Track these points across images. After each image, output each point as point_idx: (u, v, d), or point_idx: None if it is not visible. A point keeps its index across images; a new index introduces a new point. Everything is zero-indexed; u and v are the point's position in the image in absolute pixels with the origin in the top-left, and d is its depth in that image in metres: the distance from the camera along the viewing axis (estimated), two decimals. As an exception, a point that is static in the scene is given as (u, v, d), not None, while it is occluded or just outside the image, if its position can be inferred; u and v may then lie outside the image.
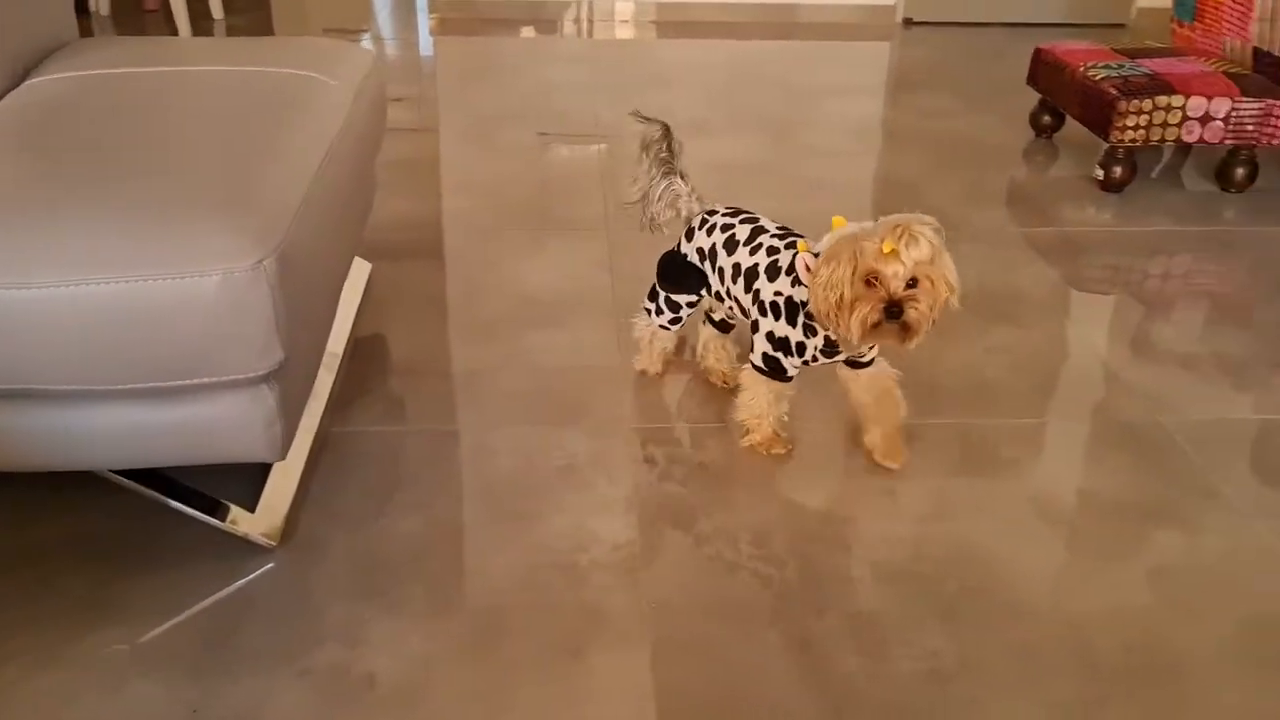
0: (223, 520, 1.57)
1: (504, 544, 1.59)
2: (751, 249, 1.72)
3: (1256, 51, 2.97)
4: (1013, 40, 3.87)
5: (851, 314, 1.50)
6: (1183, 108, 2.79)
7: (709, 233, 1.79)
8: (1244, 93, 2.80)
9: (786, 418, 1.81)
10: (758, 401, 1.76)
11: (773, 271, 1.68)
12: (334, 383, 1.96)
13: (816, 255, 1.56)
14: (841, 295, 1.50)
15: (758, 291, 1.70)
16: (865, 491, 1.73)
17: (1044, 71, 3.20)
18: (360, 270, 2.31)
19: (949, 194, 2.94)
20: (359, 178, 1.90)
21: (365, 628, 1.43)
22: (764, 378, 1.72)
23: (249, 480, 1.65)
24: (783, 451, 1.79)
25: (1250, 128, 2.82)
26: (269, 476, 1.66)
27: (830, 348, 1.66)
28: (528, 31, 4.50)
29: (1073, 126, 3.19)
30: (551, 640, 1.42)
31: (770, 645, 1.43)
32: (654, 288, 1.91)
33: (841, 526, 1.65)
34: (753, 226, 1.76)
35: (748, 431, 1.80)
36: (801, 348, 1.67)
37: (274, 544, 1.57)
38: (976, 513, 1.68)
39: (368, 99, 1.97)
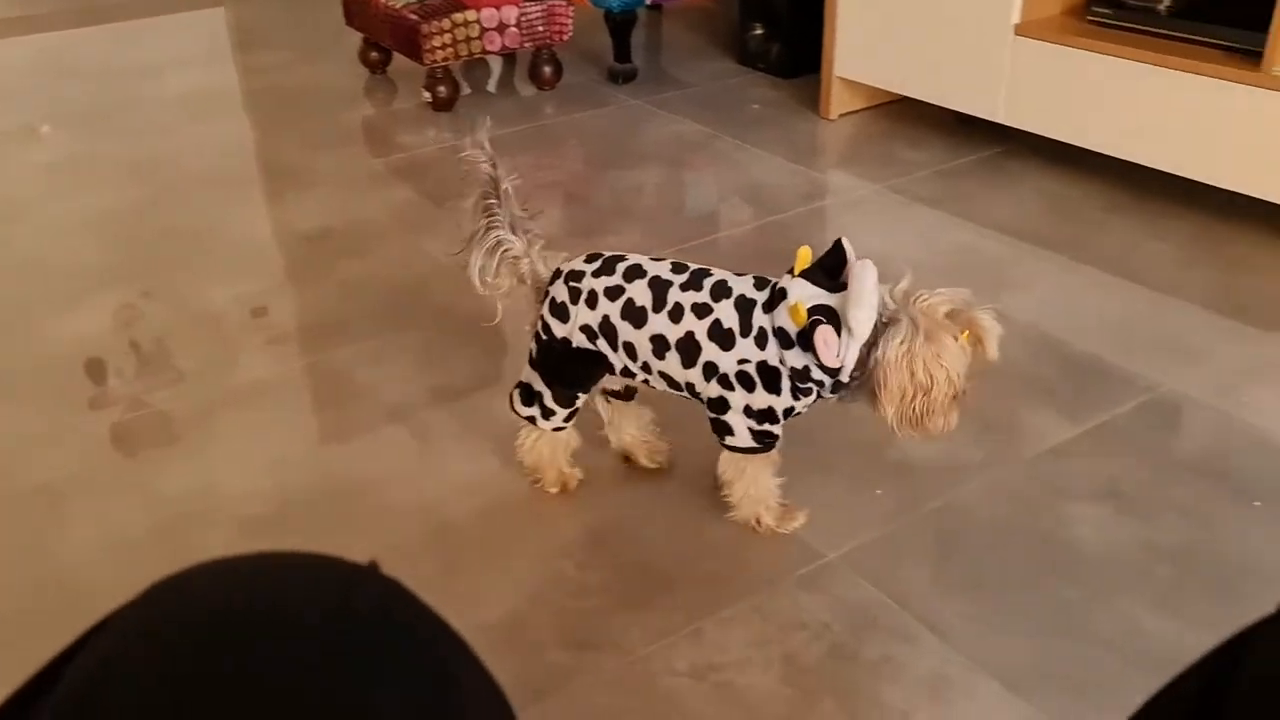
0: None
1: None
2: (670, 313, 1.38)
3: (531, -40, 3.27)
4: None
5: (945, 413, 1.32)
6: (478, 20, 3.01)
7: (590, 304, 1.42)
8: (526, -2, 3.08)
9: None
10: (761, 483, 1.48)
11: (722, 337, 1.37)
12: None
13: (816, 315, 1.30)
14: (945, 393, 1.30)
15: (711, 365, 1.38)
16: (224, 453, 1.70)
17: (356, 10, 3.28)
18: None
19: (296, 144, 2.93)
20: None
21: None
22: (755, 455, 1.45)
23: None
24: (804, 520, 1.53)
25: (541, 29, 3.12)
26: None
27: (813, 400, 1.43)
28: None
29: (399, 58, 3.32)
30: None
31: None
32: (527, 389, 1.52)
33: (204, 499, 1.62)
34: (647, 280, 1.41)
35: (759, 521, 1.51)
36: (790, 412, 1.42)
37: None
38: (340, 443, 1.73)
39: None
